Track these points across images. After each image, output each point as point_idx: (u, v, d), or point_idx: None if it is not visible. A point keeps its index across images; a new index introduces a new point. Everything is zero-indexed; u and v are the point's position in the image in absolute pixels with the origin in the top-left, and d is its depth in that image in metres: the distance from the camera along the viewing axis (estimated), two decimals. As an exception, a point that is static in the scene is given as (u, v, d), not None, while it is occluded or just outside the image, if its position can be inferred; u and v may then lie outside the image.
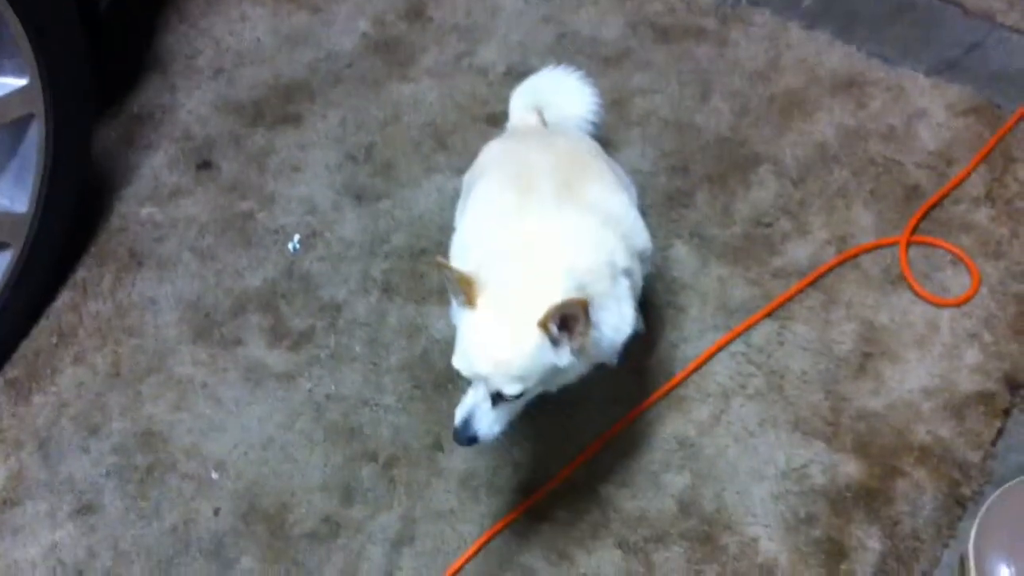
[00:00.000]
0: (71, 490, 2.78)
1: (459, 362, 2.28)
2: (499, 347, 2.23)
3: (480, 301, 2.24)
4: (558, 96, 3.01)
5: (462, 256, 2.51)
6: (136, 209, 3.22)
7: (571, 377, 2.42)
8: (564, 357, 2.26)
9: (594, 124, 3.02)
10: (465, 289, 2.24)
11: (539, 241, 2.37)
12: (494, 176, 2.64)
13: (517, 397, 2.27)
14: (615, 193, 2.59)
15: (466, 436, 2.29)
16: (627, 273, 2.45)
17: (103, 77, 3.36)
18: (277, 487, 2.75)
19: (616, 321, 2.42)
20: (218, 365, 2.94)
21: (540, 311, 2.17)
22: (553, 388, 2.43)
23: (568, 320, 2.20)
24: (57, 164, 2.93)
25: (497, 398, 2.27)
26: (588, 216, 2.45)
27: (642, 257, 2.59)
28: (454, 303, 2.37)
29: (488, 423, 2.29)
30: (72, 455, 2.82)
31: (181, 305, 3.04)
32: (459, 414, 2.29)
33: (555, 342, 2.23)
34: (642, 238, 2.61)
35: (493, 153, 2.75)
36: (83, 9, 3.04)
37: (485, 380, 2.25)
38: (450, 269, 2.24)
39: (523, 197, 2.48)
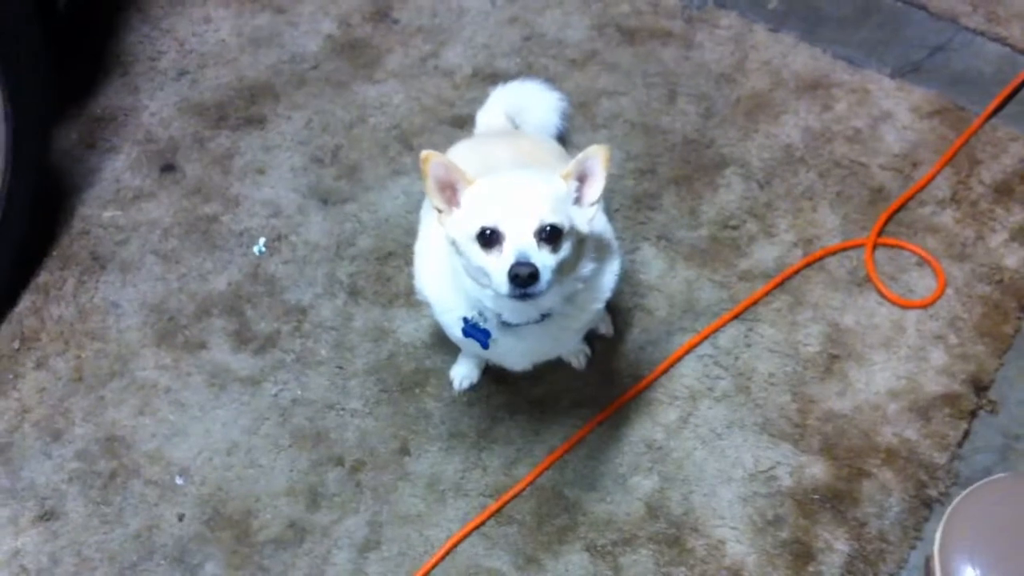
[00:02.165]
0: (33, 496, 2.74)
1: (489, 212, 2.14)
2: (528, 178, 2.22)
3: (482, 178, 2.21)
4: (527, 105, 3.00)
5: (428, 257, 2.48)
6: (98, 212, 3.18)
7: (582, 318, 2.41)
8: (582, 218, 2.22)
9: (561, 127, 3.01)
10: (462, 175, 2.20)
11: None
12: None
13: (558, 240, 2.15)
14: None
15: (527, 270, 2.09)
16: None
17: (63, 78, 3.34)
18: (242, 492, 2.72)
19: (604, 234, 2.43)
20: (182, 369, 2.90)
21: (554, 176, 2.20)
22: (575, 288, 2.32)
23: (586, 176, 2.21)
24: (16, 166, 2.89)
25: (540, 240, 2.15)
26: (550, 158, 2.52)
27: (605, 249, 2.51)
28: (443, 217, 2.24)
29: (541, 259, 2.12)
30: (34, 461, 2.79)
31: (144, 309, 3.01)
32: (509, 256, 2.12)
33: (578, 198, 2.22)
34: (605, 232, 2.55)
35: (459, 151, 2.74)
36: (42, 9, 3.01)
37: (523, 218, 2.13)
38: (440, 157, 2.19)
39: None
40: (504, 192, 2.20)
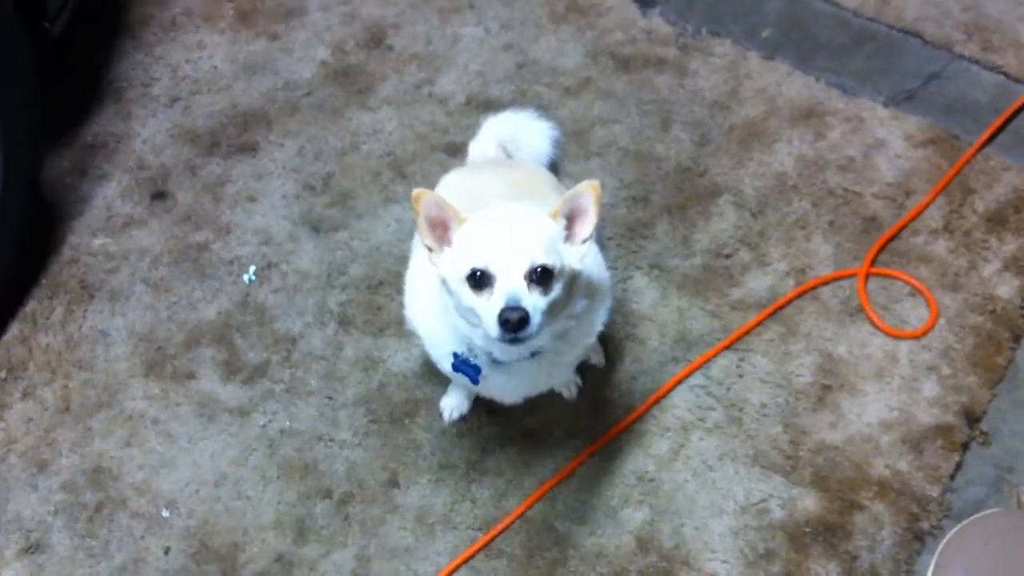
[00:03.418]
0: (19, 528, 2.72)
1: (480, 254, 2.13)
2: (521, 219, 2.19)
3: (473, 215, 2.19)
4: (519, 135, 2.99)
5: (418, 290, 2.47)
6: (88, 240, 3.17)
7: (575, 337, 2.39)
8: (574, 256, 2.20)
9: (553, 156, 3.01)
10: (454, 213, 2.17)
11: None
12: (448, 196, 2.62)
13: (549, 282, 2.14)
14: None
15: (518, 314, 2.08)
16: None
17: (56, 105, 3.33)
18: (229, 525, 2.70)
19: (598, 272, 2.41)
20: (170, 399, 2.89)
21: (543, 215, 2.18)
22: (563, 328, 2.31)
23: (577, 214, 2.19)
24: (6, 193, 2.88)
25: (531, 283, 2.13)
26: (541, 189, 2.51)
27: (597, 288, 2.50)
28: (434, 255, 2.22)
29: (532, 301, 2.11)
30: (20, 492, 2.76)
31: (133, 338, 2.99)
32: (499, 300, 2.10)
33: (567, 235, 2.20)
34: (597, 270, 2.52)
35: (450, 181, 2.73)
36: (34, 35, 3.01)
37: (515, 260, 2.12)
38: (432, 196, 2.16)
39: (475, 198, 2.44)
40: (494, 232, 2.17)
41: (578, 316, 2.32)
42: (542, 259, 2.12)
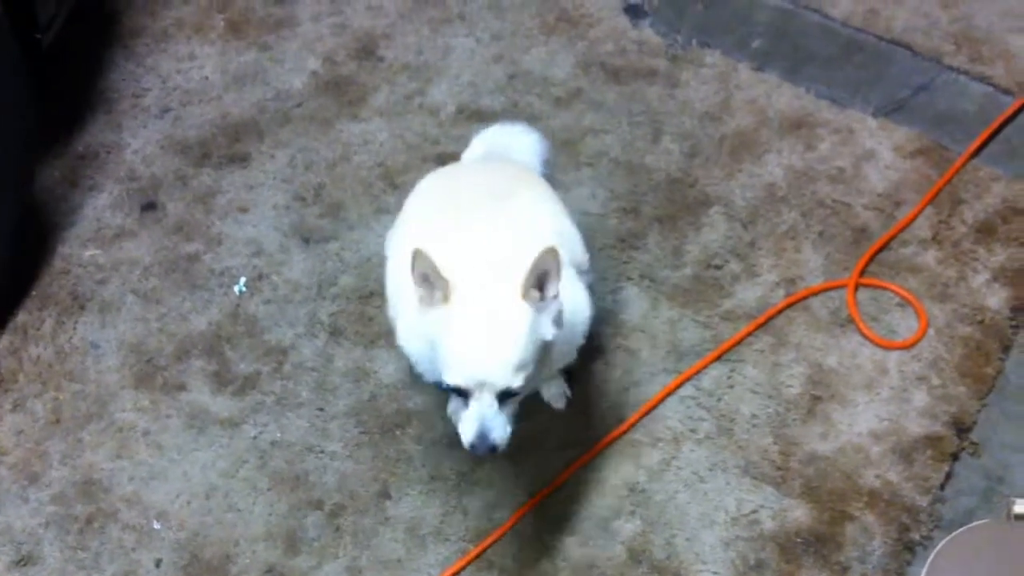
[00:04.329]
0: (10, 540, 2.71)
1: (456, 376, 2.23)
2: (495, 340, 2.21)
3: (454, 297, 2.22)
4: (509, 147, 3.00)
5: (407, 314, 2.48)
6: (79, 251, 3.16)
7: (551, 369, 2.48)
8: (548, 327, 2.27)
9: (543, 168, 3.02)
10: (442, 284, 2.20)
11: (487, 240, 2.39)
12: (426, 197, 2.69)
13: (519, 390, 2.24)
14: (546, 202, 2.64)
15: (486, 447, 2.25)
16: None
17: (47, 115, 3.33)
18: (220, 537, 2.70)
19: (572, 304, 2.42)
20: (161, 411, 2.88)
21: (517, 284, 2.20)
22: (537, 382, 2.44)
23: (544, 278, 2.23)
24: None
25: (501, 398, 2.24)
26: (523, 216, 2.52)
27: (579, 270, 2.60)
28: (423, 305, 2.28)
29: (502, 426, 2.25)
30: (11, 504, 2.76)
31: (123, 349, 2.99)
32: (470, 429, 2.25)
33: (538, 308, 2.24)
34: (577, 248, 2.63)
35: (427, 180, 2.77)
36: (24, 46, 3.01)
37: (488, 384, 2.22)
38: (427, 258, 2.19)
39: (457, 211, 2.51)
40: (468, 344, 2.23)
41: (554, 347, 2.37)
42: (516, 382, 2.22)
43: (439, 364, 2.27)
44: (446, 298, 2.22)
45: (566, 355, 2.54)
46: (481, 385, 2.22)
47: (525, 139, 3.00)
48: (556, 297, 2.27)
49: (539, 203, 2.62)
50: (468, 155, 3.00)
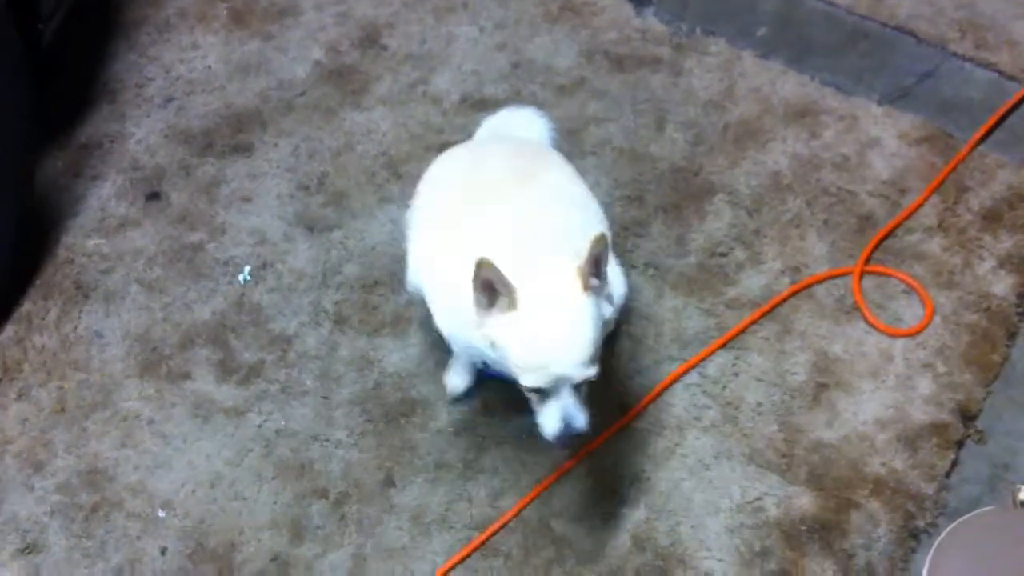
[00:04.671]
0: (15, 529, 2.72)
1: (534, 380, 2.25)
2: (569, 340, 2.23)
3: (522, 303, 2.21)
4: (517, 133, 3.00)
5: (444, 298, 2.49)
6: (83, 241, 3.16)
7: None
8: (606, 308, 2.33)
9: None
10: (508, 291, 2.20)
11: (529, 227, 2.39)
12: (447, 181, 2.66)
13: (594, 376, 2.28)
14: (572, 180, 2.65)
15: (571, 436, 2.31)
16: None
17: (50, 106, 3.33)
18: (225, 525, 2.70)
19: (611, 276, 2.45)
20: (165, 400, 2.89)
21: (577, 277, 2.21)
22: None
23: (598, 264, 2.24)
24: (0, 195, 2.88)
25: (576, 386, 2.28)
26: (554, 197, 2.53)
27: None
28: (482, 310, 2.26)
29: (582, 413, 2.31)
30: (16, 493, 2.76)
31: (128, 339, 2.99)
32: (554, 424, 2.29)
33: (596, 293, 2.26)
34: (604, 222, 2.62)
35: (452, 157, 2.74)
36: (26, 37, 3.00)
37: (567, 378, 2.24)
38: (493, 268, 2.17)
39: (483, 194, 2.50)
40: (543, 347, 2.23)
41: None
42: (591, 372, 2.26)
43: (507, 366, 2.28)
44: (513, 304, 2.21)
45: (610, 314, 2.56)
46: (561, 381, 2.24)
47: (535, 125, 2.99)
48: (606, 277, 2.30)
49: (568, 184, 2.62)
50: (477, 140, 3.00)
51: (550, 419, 2.29)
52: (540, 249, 2.31)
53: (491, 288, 2.20)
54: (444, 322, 2.52)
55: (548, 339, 2.23)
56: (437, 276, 2.50)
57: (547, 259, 2.26)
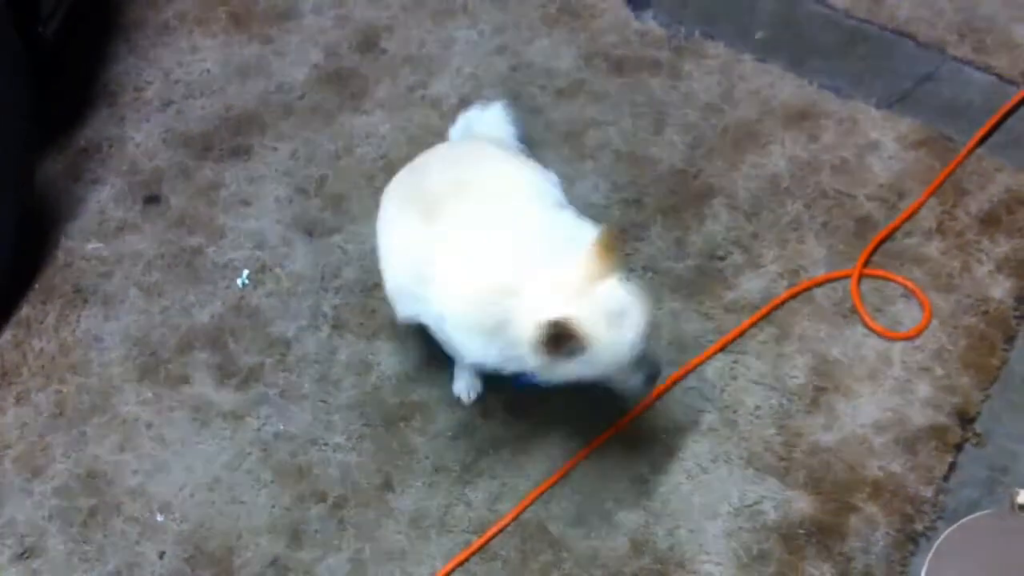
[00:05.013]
0: (13, 533, 2.72)
1: (625, 368, 2.44)
2: (637, 340, 2.40)
3: (594, 343, 2.33)
4: (487, 129, 3.05)
5: (464, 315, 2.51)
6: (81, 244, 3.17)
7: None
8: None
9: (519, 135, 3.09)
10: (584, 341, 2.31)
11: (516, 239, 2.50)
12: (399, 207, 2.72)
13: None
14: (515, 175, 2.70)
15: (656, 376, 2.57)
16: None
17: (49, 109, 3.33)
18: (224, 529, 2.70)
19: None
20: (164, 404, 2.89)
21: (594, 268, 2.35)
22: None
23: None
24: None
25: None
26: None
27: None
28: (551, 358, 2.36)
29: (652, 357, 2.53)
30: (14, 497, 2.77)
31: (127, 342, 2.99)
32: (640, 380, 2.51)
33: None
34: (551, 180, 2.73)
35: (399, 180, 2.81)
36: (27, 39, 3.01)
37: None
38: (567, 327, 2.28)
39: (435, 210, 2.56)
40: (631, 348, 2.41)
41: None
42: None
43: (572, 375, 2.42)
44: (585, 349, 2.32)
45: None
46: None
47: (502, 122, 3.06)
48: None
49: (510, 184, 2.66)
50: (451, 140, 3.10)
51: (637, 379, 2.50)
52: (540, 260, 2.40)
53: (566, 339, 2.30)
54: (472, 353, 2.57)
55: (627, 339, 2.38)
56: (458, 312, 2.52)
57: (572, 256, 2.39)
